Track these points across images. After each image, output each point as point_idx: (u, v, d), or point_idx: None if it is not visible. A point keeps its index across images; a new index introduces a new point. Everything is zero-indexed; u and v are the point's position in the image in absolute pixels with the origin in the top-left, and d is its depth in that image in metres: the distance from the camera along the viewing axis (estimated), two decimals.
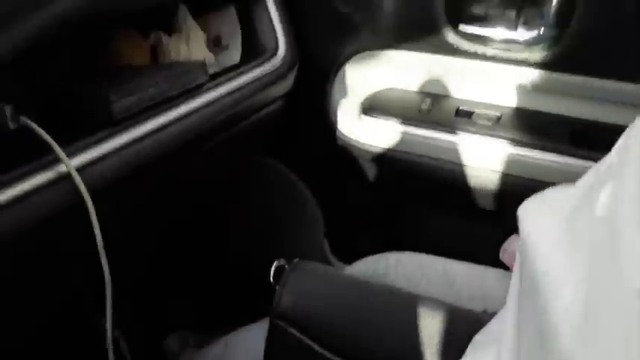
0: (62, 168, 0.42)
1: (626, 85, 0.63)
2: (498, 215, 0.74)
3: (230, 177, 0.87)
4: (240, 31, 0.70)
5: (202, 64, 0.57)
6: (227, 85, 0.59)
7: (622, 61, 0.62)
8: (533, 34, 0.67)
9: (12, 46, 0.38)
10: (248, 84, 0.63)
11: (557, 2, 0.64)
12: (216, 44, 0.72)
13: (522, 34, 0.68)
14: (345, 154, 0.81)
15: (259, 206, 0.94)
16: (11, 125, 0.41)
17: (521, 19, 0.68)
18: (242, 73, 0.63)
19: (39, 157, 0.42)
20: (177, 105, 0.53)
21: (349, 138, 0.78)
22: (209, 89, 0.57)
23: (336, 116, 0.79)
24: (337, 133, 0.79)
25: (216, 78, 0.59)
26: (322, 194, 0.89)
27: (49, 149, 0.41)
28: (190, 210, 0.82)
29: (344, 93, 0.78)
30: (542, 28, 0.67)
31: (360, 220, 0.91)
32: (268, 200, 0.93)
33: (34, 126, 0.40)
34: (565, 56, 0.64)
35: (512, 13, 0.69)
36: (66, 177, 0.42)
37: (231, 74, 0.61)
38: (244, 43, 0.71)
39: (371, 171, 0.81)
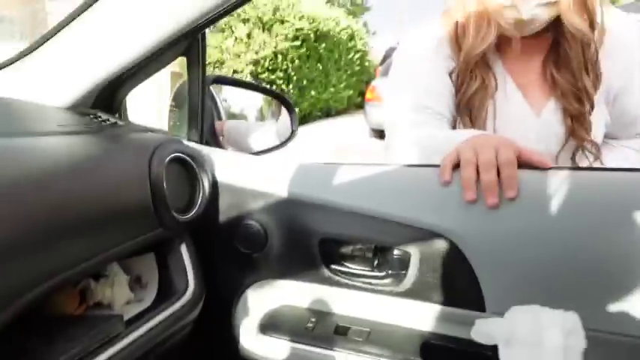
0: None
1: (451, 309, 0.84)
2: None
3: None
4: (157, 272, 0.88)
5: (120, 318, 0.72)
6: (141, 329, 0.75)
7: (449, 293, 0.84)
8: (383, 272, 0.89)
9: None
10: (159, 323, 0.78)
11: (397, 254, 0.87)
12: (136, 282, 0.89)
13: (377, 272, 0.90)
14: None
15: None
16: None
17: (376, 261, 0.90)
18: (154, 315, 0.79)
19: None
20: (95, 355, 0.67)
21: (250, 352, 0.94)
22: (125, 336, 0.72)
23: (238, 333, 0.95)
24: (240, 347, 0.95)
25: (132, 323, 0.75)
26: None
27: None
28: None
29: (245, 314, 0.95)
30: (389, 270, 0.89)
31: None
32: None
33: None
34: (408, 289, 0.85)
35: (370, 255, 0.91)
36: None
37: (144, 319, 0.77)
38: (160, 281, 0.88)
39: None
